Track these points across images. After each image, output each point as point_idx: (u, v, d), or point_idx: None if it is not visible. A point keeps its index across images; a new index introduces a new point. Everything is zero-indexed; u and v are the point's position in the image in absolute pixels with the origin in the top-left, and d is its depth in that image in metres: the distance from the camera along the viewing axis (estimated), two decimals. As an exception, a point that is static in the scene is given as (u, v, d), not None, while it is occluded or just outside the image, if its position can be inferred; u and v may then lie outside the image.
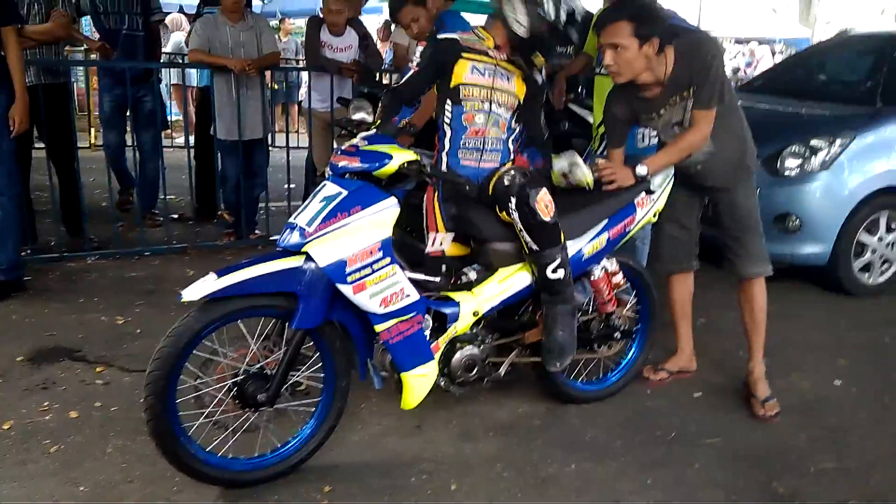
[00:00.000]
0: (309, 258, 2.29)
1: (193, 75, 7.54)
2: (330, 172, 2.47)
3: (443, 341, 2.60)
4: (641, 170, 2.85)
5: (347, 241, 2.30)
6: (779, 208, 4.35)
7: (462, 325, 2.63)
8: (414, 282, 2.49)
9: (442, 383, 2.66)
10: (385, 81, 5.51)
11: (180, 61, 8.43)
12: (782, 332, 3.91)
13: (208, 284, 2.18)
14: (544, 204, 2.53)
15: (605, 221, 2.88)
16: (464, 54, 2.77)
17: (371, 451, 2.70)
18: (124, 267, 4.57)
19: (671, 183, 3.10)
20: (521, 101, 2.81)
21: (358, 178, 2.40)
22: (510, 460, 2.67)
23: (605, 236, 2.87)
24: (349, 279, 2.30)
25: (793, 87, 5.68)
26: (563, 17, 2.66)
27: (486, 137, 2.79)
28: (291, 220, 2.38)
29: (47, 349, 3.38)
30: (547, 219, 2.54)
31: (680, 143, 2.87)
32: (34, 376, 3.12)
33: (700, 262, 3.35)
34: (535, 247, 2.61)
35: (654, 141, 3.72)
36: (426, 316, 2.54)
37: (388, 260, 2.36)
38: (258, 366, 2.38)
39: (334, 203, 2.32)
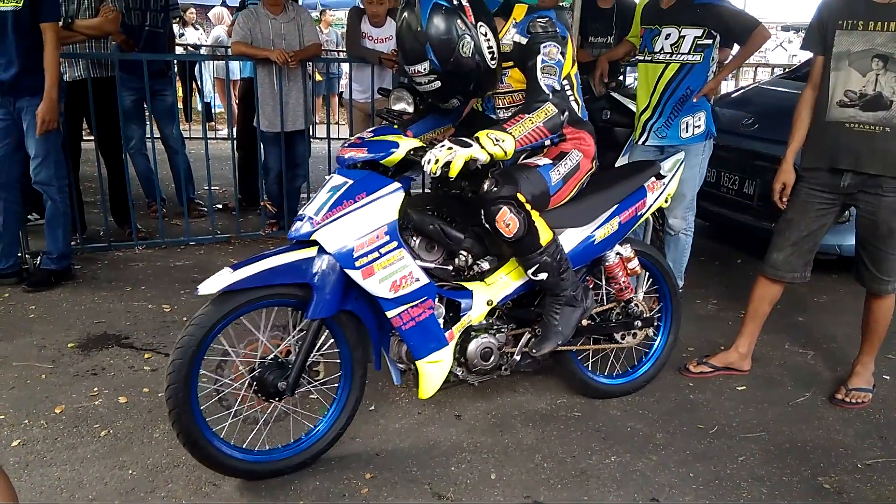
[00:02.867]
0: (322, 250, 2.32)
1: (235, 68, 7.66)
2: (338, 165, 2.50)
3: (457, 330, 2.59)
4: None
5: (354, 226, 2.32)
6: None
7: (476, 315, 2.63)
8: (426, 272, 2.49)
9: (459, 373, 2.66)
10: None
11: (220, 55, 8.56)
12: (829, 325, 3.84)
13: (223, 278, 2.21)
14: (504, 223, 2.46)
15: (615, 206, 2.85)
16: None
17: (411, 439, 2.72)
18: (170, 256, 4.66)
19: (682, 168, 3.04)
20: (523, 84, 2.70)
21: (365, 169, 2.43)
22: (549, 451, 2.67)
23: (616, 220, 2.84)
24: (357, 264, 2.31)
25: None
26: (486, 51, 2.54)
27: None
28: (300, 211, 2.41)
29: (96, 336, 3.47)
30: (509, 237, 2.48)
31: None
32: (84, 362, 3.20)
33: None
34: (512, 252, 2.63)
35: (699, 130, 3.67)
36: (438, 303, 2.54)
37: (395, 244, 2.37)
38: (271, 356, 2.40)
39: (340, 192, 2.36)
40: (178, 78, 7.63)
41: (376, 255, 2.34)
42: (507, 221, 2.46)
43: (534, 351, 2.71)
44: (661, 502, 2.41)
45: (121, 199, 4.90)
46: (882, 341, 3.11)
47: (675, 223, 3.84)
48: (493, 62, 2.56)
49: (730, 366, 3.30)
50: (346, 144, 2.53)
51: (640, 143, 3.83)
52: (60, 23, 3.93)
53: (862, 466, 2.64)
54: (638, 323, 3.00)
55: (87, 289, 4.05)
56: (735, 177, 4.69)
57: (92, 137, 4.74)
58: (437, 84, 2.52)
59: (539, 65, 2.51)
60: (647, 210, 2.96)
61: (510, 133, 2.38)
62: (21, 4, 3.67)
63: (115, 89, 4.57)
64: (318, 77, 9.89)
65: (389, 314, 2.41)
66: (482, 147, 2.32)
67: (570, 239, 2.76)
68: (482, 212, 2.50)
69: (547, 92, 2.48)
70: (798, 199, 3.00)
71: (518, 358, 2.77)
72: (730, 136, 4.51)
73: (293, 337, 2.42)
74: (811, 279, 3.15)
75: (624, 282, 2.92)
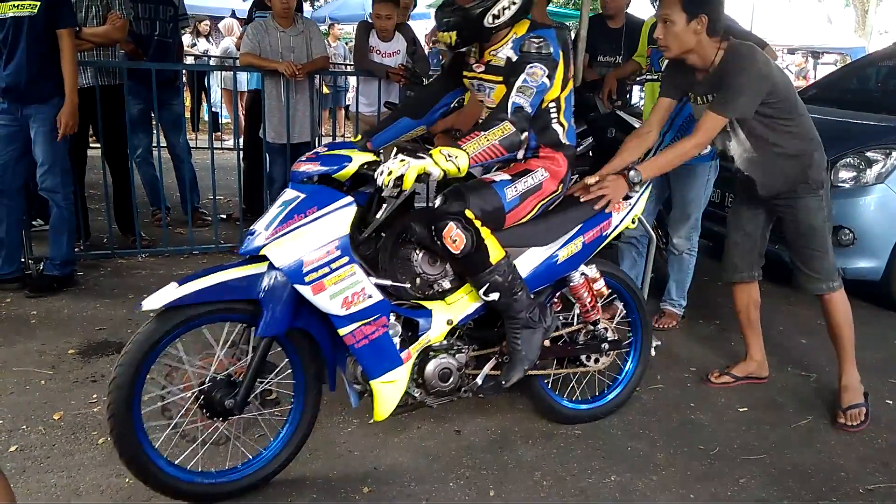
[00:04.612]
0: (272, 265, 2.28)
1: (243, 80, 7.68)
2: (290, 180, 2.47)
3: (415, 350, 2.51)
4: (635, 176, 2.77)
5: (304, 241, 2.28)
6: (831, 221, 4.24)
7: (436, 334, 2.55)
8: (384, 290, 2.43)
9: (416, 394, 2.57)
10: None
11: (227, 65, 8.61)
12: (833, 348, 3.81)
13: (168, 293, 2.17)
14: (451, 238, 2.42)
15: (578, 226, 2.78)
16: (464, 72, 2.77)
17: (410, 454, 2.71)
18: (173, 265, 4.66)
19: (650, 188, 3.01)
20: None
21: (319, 183, 2.41)
22: (549, 469, 2.65)
23: (579, 240, 2.76)
24: (307, 279, 2.26)
25: (847, 97, 5.53)
26: None
27: None
28: (251, 227, 2.36)
29: (97, 343, 3.46)
30: (455, 252, 2.44)
31: (674, 148, 2.88)
32: (84, 369, 3.20)
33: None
34: (461, 269, 2.58)
35: (705, 151, 3.66)
36: (393, 321, 2.46)
37: (346, 259, 2.32)
38: (225, 373, 2.34)
39: (291, 206, 2.33)
40: (186, 87, 7.67)
41: (327, 270, 2.29)
42: (454, 237, 2.42)
43: (504, 381, 2.65)
44: (661, 523, 2.40)
45: (125, 207, 4.91)
46: (853, 346, 3.14)
47: (679, 243, 3.84)
48: (489, 17, 2.52)
49: (750, 375, 3.36)
50: (300, 159, 2.50)
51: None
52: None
53: (863, 492, 2.62)
54: (605, 345, 2.93)
55: (89, 296, 4.04)
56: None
57: (98, 145, 4.76)
58: None
59: (518, 83, 2.47)
60: (613, 230, 2.88)
61: (464, 150, 2.36)
62: (36, 10, 3.70)
63: (122, 97, 4.60)
64: (325, 90, 9.93)
65: (342, 332, 2.35)
66: (435, 162, 2.30)
67: (533, 258, 2.70)
68: (432, 227, 2.48)
69: (509, 110, 2.45)
70: (734, 206, 3.30)
71: (480, 381, 2.69)
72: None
73: (248, 359, 2.33)
74: (816, 301, 3.16)
75: (590, 303, 2.84)
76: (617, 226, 2.89)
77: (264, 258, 2.28)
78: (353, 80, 8.37)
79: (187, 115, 7.99)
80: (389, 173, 2.26)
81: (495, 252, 2.51)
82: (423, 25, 11.79)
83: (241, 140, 5.82)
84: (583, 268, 2.82)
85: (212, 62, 9.93)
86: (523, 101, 2.47)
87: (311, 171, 2.41)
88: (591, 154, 4.65)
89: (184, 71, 6.57)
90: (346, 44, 12.54)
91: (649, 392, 3.25)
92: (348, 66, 10.72)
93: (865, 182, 4.26)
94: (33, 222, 4.68)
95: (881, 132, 4.53)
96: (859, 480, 2.68)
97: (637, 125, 4.28)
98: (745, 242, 3.24)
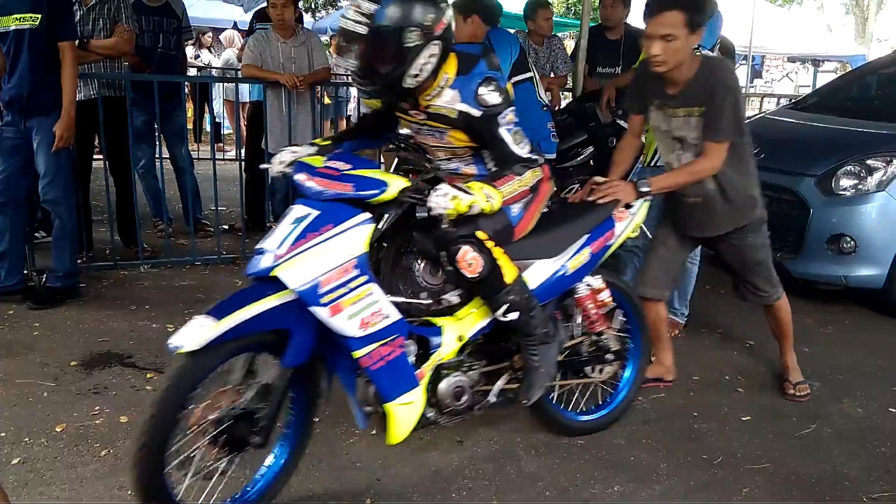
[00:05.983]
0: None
1: (245, 91, 7.71)
2: (303, 194, 2.27)
3: (427, 368, 2.40)
4: (644, 188, 2.79)
5: (320, 260, 2.13)
6: (833, 229, 4.26)
7: (447, 352, 2.44)
8: (397, 307, 2.32)
9: (430, 414, 2.46)
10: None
11: (229, 77, 8.64)
12: (835, 356, 3.82)
13: (204, 331, 2.01)
14: (466, 262, 2.33)
15: (585, 236, 2.73)
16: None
17: (412, 464, 2.70)
18: (176, 276, 4.66)
19: (651, 198, 3.00)
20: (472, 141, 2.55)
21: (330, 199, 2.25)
22: (552, 479, 2.65)
23: (587, 251, 2.72)
24: (323, 301, 2.12)
25: (848, 105, 5.55)
26: None
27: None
28: (259, 245, 2.19)
29: (100, 354, 3.46)
30: (472, 276, 2.34)
31: (689, 168, 2.86)
32: (86, 381, 3.20)
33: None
34: (477, 292, 2.50)
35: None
36: (409, 341, 2.35)
37: (364, 278, 2.19)
38: (222, 412, 2.15)
39: (305, 223, 2.17)
40: (188, 99, 7.71)
41: (345, 290, 2.15)
42: (470, 261, 2.33)
43: (525, 401, 2.60)
44: (665, 533, 2.39)
45: (128, 218, 4.92)
46: (792, 335, 3.34)
47: (680, 252, 3.83)
48: (409, 79, 2.35)
49: (659, 377, 3.35)
50: (312, 173, 2.27)
51: (651, 164, 3.83)
52: (77, 42, 3.98)
53: (868, 500, 2.61)
54: (609, 356, 2.90)
55: (91, 307, 4.05)
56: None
57: (101, 157, 4.78)
58: (362, 30, 2.27)
59: (507, 137, 2.42)
60: (617, 240, 2.86)
61: (500, 191, 2.37)
62: (38, 23, 3.72)
63: (125, 109, 4.62)
64: (326, 100, 9.96)
65: (357, 354, 2.21)
66: (476, 199, 2.27)
67: (542, 271, 2.63)
68: (443, 253, 2.39)
69: (535, 157, 2.49)
70: (664, 224, 3.24)
71: (493, 399, 2.63)
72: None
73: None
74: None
75: (595, 314, 2.81)
76: (620, 235, 2.87)
77: (274, 279, 2.13)
78: (354, 91, 8.42)
79: (190, 126, 8.02)
80: (448, 210, 2.21)
81: (509, 271, 2.44)
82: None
83: (243, 151, 5.84)
84: (588, 278, 2.78)
85: (213, 73, 9.96)
86: (527, 146, 2.48)
87: (340, 193, 2.22)
88: (592, 163, 4.67)
89: (186, 82, 6.58)
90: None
91: (651, 401, 3.25)
92: (349, 77, 10.75)
93: (866, 190, 4.27)
94: (36, 234, 4.69)
95: (882, 140, 4.55)
96: (863, 489, 2.67)
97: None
98: (666, 261, 3.21)
